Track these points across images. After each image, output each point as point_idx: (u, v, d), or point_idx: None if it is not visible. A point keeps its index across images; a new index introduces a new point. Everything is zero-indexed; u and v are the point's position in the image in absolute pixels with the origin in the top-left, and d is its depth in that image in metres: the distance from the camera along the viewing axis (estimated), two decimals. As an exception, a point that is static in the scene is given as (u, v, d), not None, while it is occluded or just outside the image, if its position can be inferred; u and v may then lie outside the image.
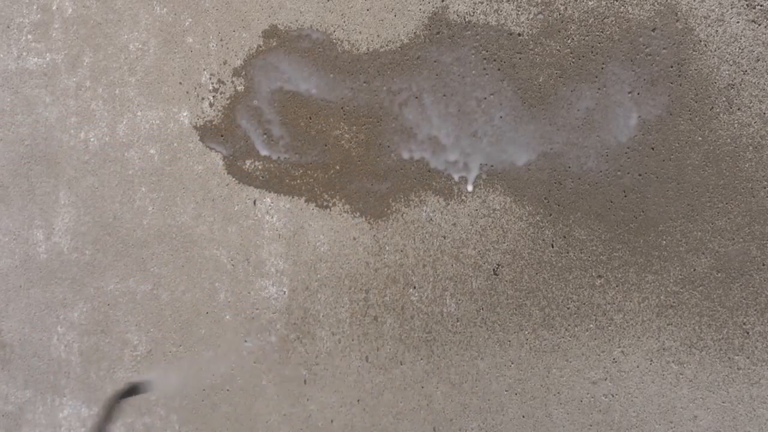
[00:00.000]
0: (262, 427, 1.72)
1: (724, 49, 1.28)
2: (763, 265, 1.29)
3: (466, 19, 1.47)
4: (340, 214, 1.61)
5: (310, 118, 1.62)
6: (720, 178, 1.30)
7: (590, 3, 1.37)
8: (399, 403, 1.59)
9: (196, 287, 1.77)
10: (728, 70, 1.28)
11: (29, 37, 1.95)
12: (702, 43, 1.30)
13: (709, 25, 1.29)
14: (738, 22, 1.27)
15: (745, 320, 1.31)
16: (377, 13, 1.54)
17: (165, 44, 1.77)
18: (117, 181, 1.85)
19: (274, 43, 1.64)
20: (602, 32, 1.37)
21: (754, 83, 1.27)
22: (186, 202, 1.77)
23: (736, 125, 1.29)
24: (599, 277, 1.40)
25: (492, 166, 1.47)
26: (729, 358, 1.32)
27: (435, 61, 1.50)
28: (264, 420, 1.72)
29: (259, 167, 1.68)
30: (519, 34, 1.43)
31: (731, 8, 1.28)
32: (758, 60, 1.27)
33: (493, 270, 1.48)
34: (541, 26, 1.41)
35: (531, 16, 1.42)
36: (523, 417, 1.48)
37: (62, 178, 1.92)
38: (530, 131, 1.43)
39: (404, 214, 1.55)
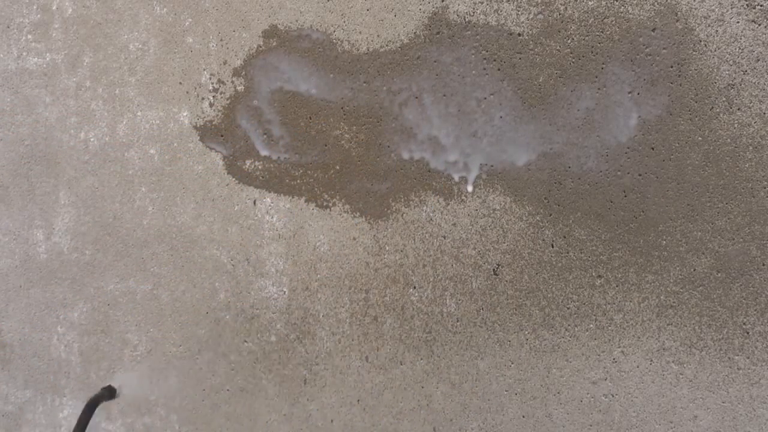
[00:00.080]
0: (262, 427, 1.72)
1: (724, 49, 1.28)
2: (763, 265, 1.29)
3: (466, 19, 1.47)
4: (340, 214, 1.61)
5: (310, 118, 1.62)
6: (720, 178, 1.30)
7: (590, 3, 1.37)
8: (399, 403, 1.58)
9: (196, 287, 1.77)
10: (728, 70, 1.28)
11: (29, 37, 1.95)
12: (702, 43, 1.30)
13: (709, 25, 1.29)
14: (738, 22, 1.27)
15: (745, 320, 1.31)
16: (377, 13, 1.54)
17: (165, 44, 1.76)
18: (117, 181, 1.85)
19: (274, 43, 1.64)
20: (602, 32, 1.37)
21: (754, 83, 1.27)
22: (186, 202, 1.77)
23: (736, 125, 1.29)
24: (599, 277, 1.40)
25: (492, 166, 1.47)
26: (729, 358, 1.32)
27: (435, 61, 1.50)
28: (264, 420, 1.72)
29: (259, 167, 1.68)
30: (519, 34, 1.43)
31: (731, 8, 1.28)
32: (758, 60, 1.27)
33: (493, 270, 1.48)
34: (541, 26, 1.41)
35: (531, 16, 1.42)
36: (523, 417, 1.48)
37: (62, 178, 1.92)
38: (530, 131, 1.43)
39: (404, 214, 1.55)
